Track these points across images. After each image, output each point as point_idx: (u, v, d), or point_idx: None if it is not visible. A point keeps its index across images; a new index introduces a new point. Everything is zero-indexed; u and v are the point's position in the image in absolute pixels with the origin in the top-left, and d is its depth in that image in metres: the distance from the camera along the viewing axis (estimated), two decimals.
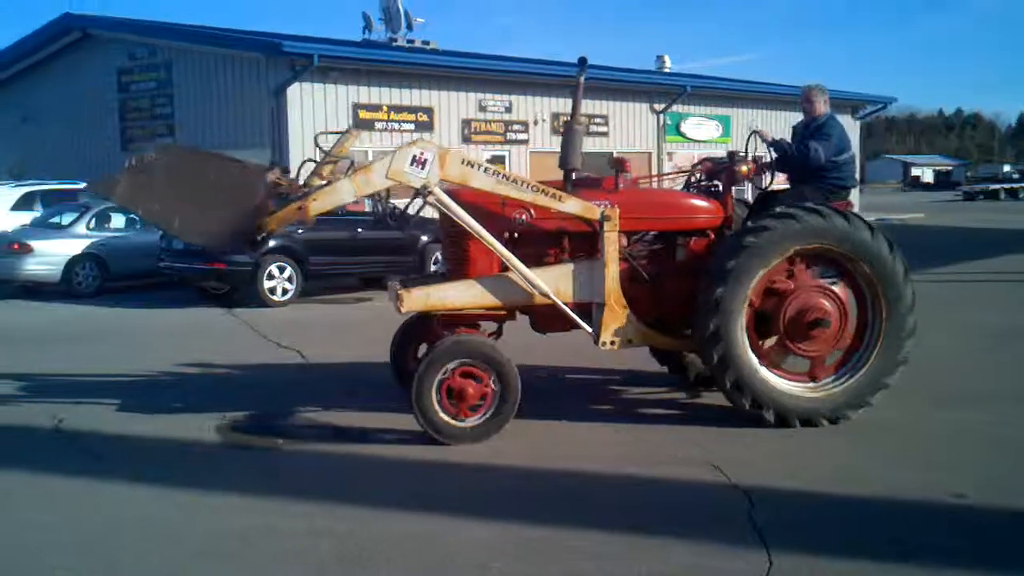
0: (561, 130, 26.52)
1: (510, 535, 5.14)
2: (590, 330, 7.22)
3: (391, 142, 23.06)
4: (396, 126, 23.24)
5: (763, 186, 7.96)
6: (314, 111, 21.72)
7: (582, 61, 7.42)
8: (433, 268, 16.75)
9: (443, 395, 6.76)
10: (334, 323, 13.24)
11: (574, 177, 7.34)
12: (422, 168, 6.81)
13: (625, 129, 27.87)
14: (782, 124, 34.10)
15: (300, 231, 14.82)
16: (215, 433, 7.26)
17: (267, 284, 14.60)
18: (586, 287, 7.18)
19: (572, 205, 7.06)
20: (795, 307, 7.14)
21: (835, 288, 7.24)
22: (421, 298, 7.17)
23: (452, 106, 24.14)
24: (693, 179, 8.19)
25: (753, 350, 7.08)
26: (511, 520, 5.34)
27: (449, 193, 7.06)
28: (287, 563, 4.86)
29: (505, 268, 7.15)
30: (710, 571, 4.66)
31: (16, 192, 19.00)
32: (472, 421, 6.83)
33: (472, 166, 7.01)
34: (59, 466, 6.49)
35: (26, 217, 17.80)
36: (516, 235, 7.40)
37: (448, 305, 7.23)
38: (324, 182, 7.13)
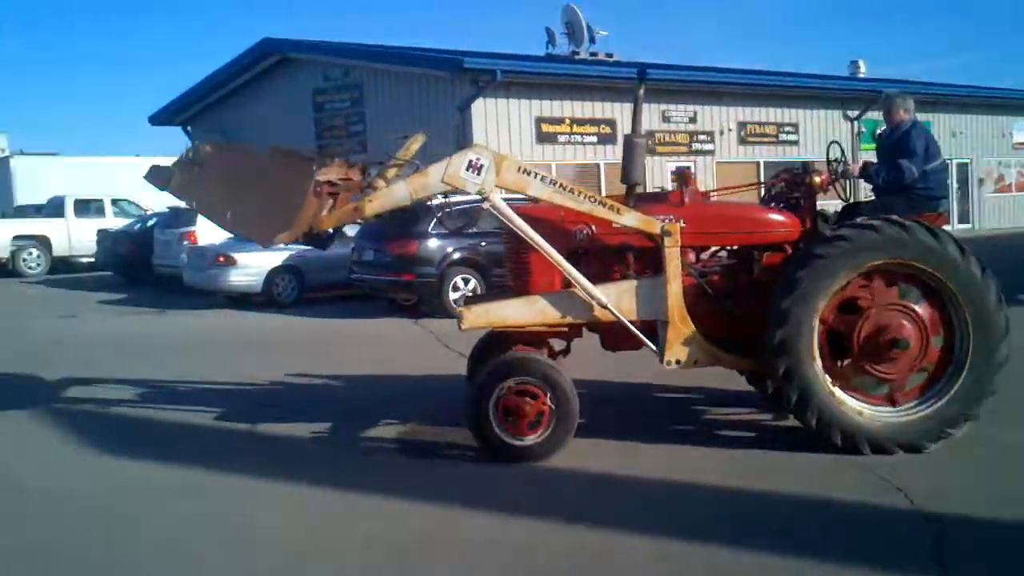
0: (748, 140, 26.22)
1: (672, 551, 5.03)
2: (655, 348, 6.99)
3: (574, 155, 23.23)
4: (578, 139, 23.37)
5: (846, 198, 7.60)
6: (498, 125, 22.10)
7: (641, 72, 7.29)
8: None
9: (499, 413, 6.64)
10: None
11: (639, 191, 7.17)
12: (478, 174, 6.74)
13: (816, 137, 27.03)
14: (986, 128, 32.44)
15: (483, 244, 15.07)
16: (395, 440, 7.41)
17: (452, 296, 14.88)
18: (650, 304, 6.92)
19: (631, 219, 6.84)
20: (871, 325, 6.65)
21: (917, 308, 6.69)
22: (481, 315, 7.10)
23: None
24: (773, 191, 7.78)
25: (827, 369, 6.65)
26: (674, 536, 5.21)
27: (515, 209, 7.04)
28: (468, 571, 4.90)
29: (567, 284, 6.96)
30: None
31: None
32: (530, 440, 6.67)
33: (528, 174, 6.86)
34: (250, 465, 6.77)
35: None
36: (579, 250, 7.16)
37: (508, 322, 7.14)
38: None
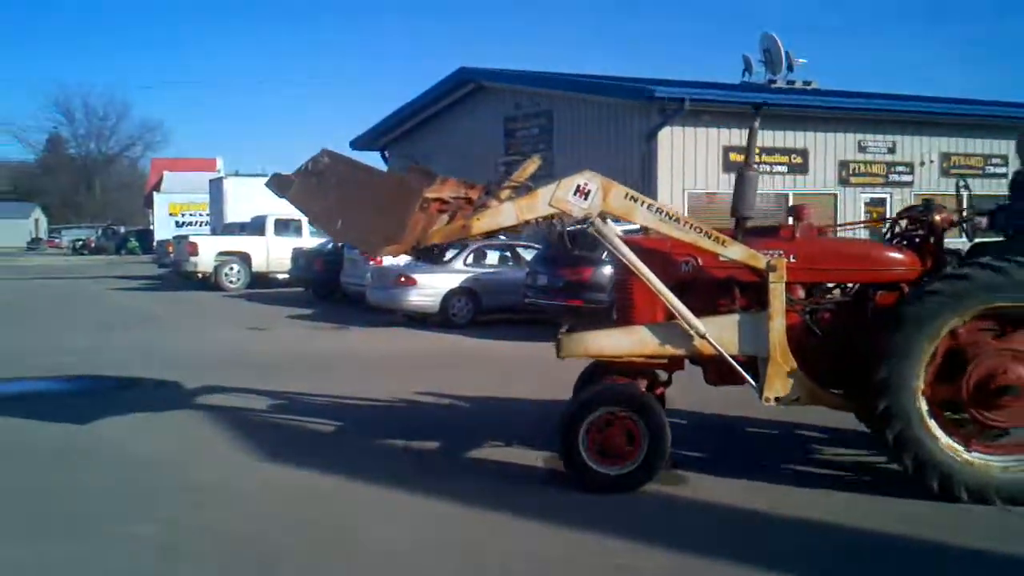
0: (952, 172, 24.87)
1: None
2: (755, 384, 6.76)
3: (762, 184, 22.58)
4: (768, 168, 22.75)
5: (971, 237, 7.26)
6: (684, 154, 21.83)
7: (757, 107, 7.14)
8: None
9: (590, 441, 6.57)
10: None
11: (749, 224, 6.99)
12: (585, 198, 6.70)
13: None
14: None
15: None
16: (543, 463, 7.38)
17: None
18: (752, 339, 6.73)
19: (736, 251, 6.66)
20: (982, 371, 6.28)
21: None
22: (580, 344, 7.04)
23: (828, 147, 23.25)
24: (897, 228, 7.42)
25: (937, 417, 6.35)
26: None
27: (625, 241, 6.89)
28: None
29: (671, 317, 6.81)
30: None
31: None
32: (619, 469, 6.59)
33: (635, 201, 6.77)
34: (401, 481, 6.89)
35: None
36: (684, 282, 7.01)
37: (606, 352, 7.06)
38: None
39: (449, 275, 17.22)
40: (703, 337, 6.69)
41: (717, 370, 7.10)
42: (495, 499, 6.36)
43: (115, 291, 28.11)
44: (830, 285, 7.34)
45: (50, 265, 48.18)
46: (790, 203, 22.97)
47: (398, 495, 6.57)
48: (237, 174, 64.37)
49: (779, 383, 6.70)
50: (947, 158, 24.21)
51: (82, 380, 11.39)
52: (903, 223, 7.37)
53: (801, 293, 7.08)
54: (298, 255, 23.76)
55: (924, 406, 6.30)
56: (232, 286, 27.06)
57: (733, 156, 22.36)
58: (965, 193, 7.22)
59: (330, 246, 23.26)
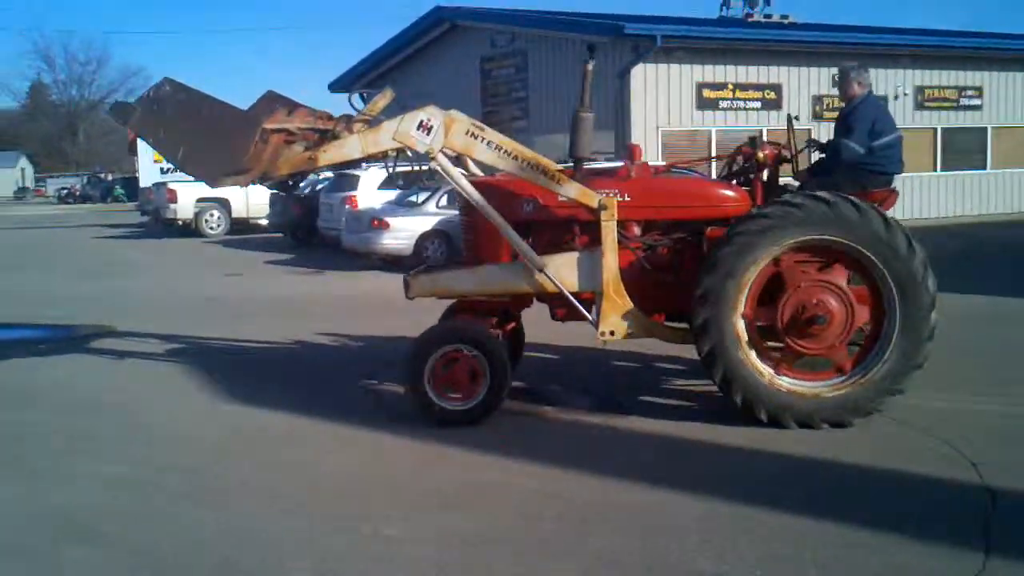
0: (926, 105, 24.94)
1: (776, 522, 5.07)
2: (592, 319, 7.01)
3: (735, 121, 22.72)
4: (741, 104, 22.87)
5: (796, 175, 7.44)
6: (657, 91, 21.90)
7: (591, 48, 7.26)
8: None
9: (435, 376, 6.80)
10: None
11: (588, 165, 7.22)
12: (427, 134, 6.85)
13: (1002, 102, 25.46)
14: None
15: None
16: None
17: None
18: (589, 276, 6.95)
19: (571, 190, 6.84)
20: (795, 303, 6.56)
21: (842, 283, 6.59)
22: (428, 283, 7.33)
23: (803, 82, 23.36)
24: (734, 166, 7.60)
25: (756, 347, 6.61)
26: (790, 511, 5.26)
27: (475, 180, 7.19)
28: (512, 519, 5.15)
29: (515, 257, 7.03)
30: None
31: (382, 173, 20.80)
32: (461, 404, 6.84)
33: (476, 137, 6.94)
34: (355, 419, 7.18)
35: (390, 195, 19.45)
36: (529, 222, 7.19)
37: (453, 291, 7.36)
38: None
39: (422, 218, 17.34)
40: (544, 273, 6.92)
41: (561, 307, 7.31)
42: (439, 433, 6.64)
43: (97, 239, 28.27)
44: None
45: (35, 215, 48.18)
46: (764, 139, 23.10)
47: (353, 431, 6.87)
48: None
49: (613, 318, 6.93)
50: (921, 91, 24.33)
51: (57, 329, 11.61)
52: (740, 160, 7.52)
53: (637, 230, 7.21)
54: (275, 200, 23.82)
55: (740, 327, 6.54)
56: (212, 232, 27.19)
57: (707, 93, 22.48)
58: (799, 129, 7.47)
59: (307, 191, 23.33)
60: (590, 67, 7.04)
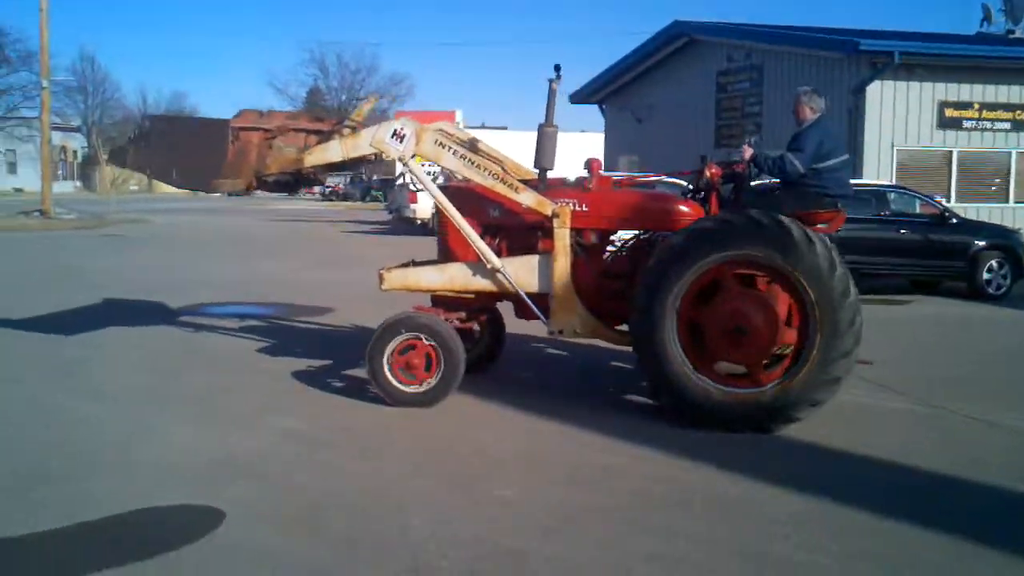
0: None
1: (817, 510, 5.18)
2: (544, 319, 7.56)
3: (981, 142, 21.62)
4: (988, 125, 21.71)
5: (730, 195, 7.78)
6: (894, 109, 21.19)
7: (557, 68, 7.62)
8: (986, 276, 15.62)
9: (394, 362, 7.36)
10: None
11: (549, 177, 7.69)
12: (400, 141, 7.48)
13: None
14: None
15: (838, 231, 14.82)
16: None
17: None
18: (544, 278, 7.49)
19: (527, 198, 7.40)
20: (722, 314, 6.92)
21: (768, 298, 6.93)
22: (399, 278, 7.90)
23: None
24: (700, 183, 7.88)
25: (688, 355, 6.92)
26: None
27: (452, 184, 7.89)
28: (624, 497, 5.50)
29: (479, 257, 7.57)
30: None
31: None
32: (417, 388, 7.40)
33: (443, 147, 7.49)
34: (512, 398, 7.72)
35: None
36: (496, 226, 7.83)
37: (422, 286, 7.93)
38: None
39: None
40: (501, 274, 7.51)
41: (521, 306, 7.80)
42: (584, 418, 7.08)
43: (344, 234, 30.34)
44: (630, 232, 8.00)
45: (301, 209, 52.04)
46: (1012, 163, 21.85)
47: (506, 411, 7.46)
48: (483, 126, 66.29)
49: (562, 317, 7.51)
50: None
51: (279, 307, 12.88)
52: (704, 177, 7.79)
53: (593, 238, 7.75)
54: None
55: (672, 336, 6.85)
56: None
57: (949, 112, 21.52)
58: (750, 142, 7.77)
59: None
60: (555, 85, 7.62)
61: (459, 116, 69.43)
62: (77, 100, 79.58)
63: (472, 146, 7.78)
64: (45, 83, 34.78)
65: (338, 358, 9.30)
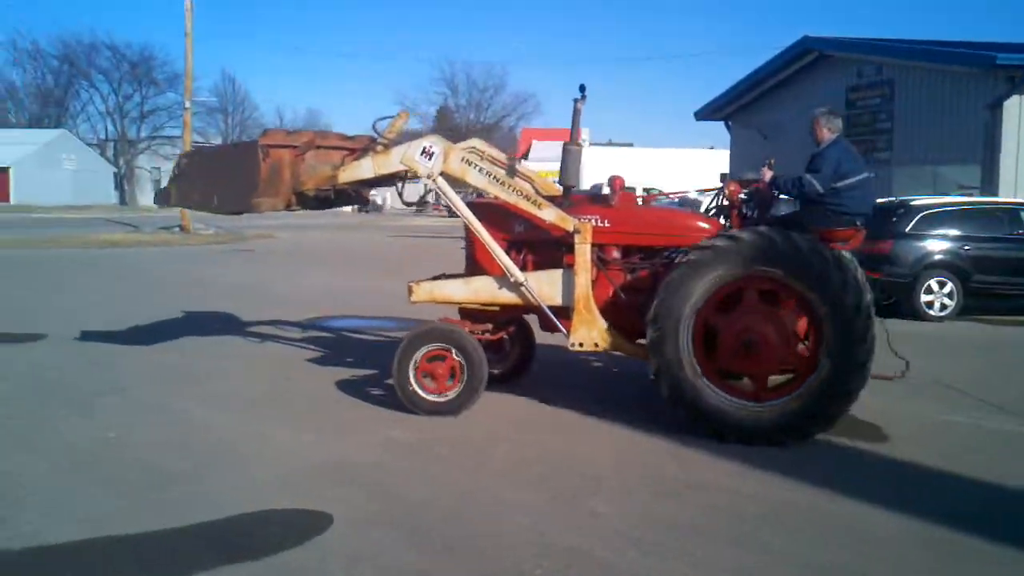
0: None
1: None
2: (565, 331, 7.68)
3: None
4: None
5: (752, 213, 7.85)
6: None
7: (582, 88, 7.69)
8: None
9: (419, 373, 7.61)
10: (984, 343, 12.65)
11: (578, 192, 7.94)
12: (429, 159, 7.72)
13: None
14: None
15: (967, 247, 14.39)
16: None
17: (924, 298, 14.41)
18: (566, 292, 7.62)
19: (549, 214, 7.56)
20: (734, 328, 7.05)
21: (783, 313, 7.03)
22: (427, 291, 8.14)
23: None
24: (723, 200, 8.02)
25: (701, 365, 7.06)
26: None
27: (479, 200, 8.20)
28: (720, 515, 5.48)
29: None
30: None
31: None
32: (445, 396, 7.62)
33: (470, 164, 7.73)
34: (615, 414, 7.75)
35: None
36: (522, 241, 8.06)
37: (449, 299, 8.13)
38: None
39: None
40: (524, 287, 7.68)
41: (543, 319, 7.95)
42: (683, 435, 7.08)
43: (453, 249, 30.69)
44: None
45: (427, 225, 52.99)
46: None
47: (611, 426, 7.49)
48: (610, 143, 66.50)
49: (583, 331, 7.61)
50: None
51: (395, 320, 13.20)
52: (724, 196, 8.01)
53: (616, 254, 7.86)
54: None
55: (688, 351, 7.02)
56: None
57: None
58: (768, 170, 7.76)
59: None
60: (580, 105, 7.67)
61: (586, 133, 69.87)
62: (218, 119, 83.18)
63: (510, 166, 7.99)
64: (187, 104, 36.49)
65: None
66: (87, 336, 11.34)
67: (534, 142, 68.53)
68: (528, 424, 7.53)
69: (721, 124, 33.55)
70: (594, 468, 6.40)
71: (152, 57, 75.67)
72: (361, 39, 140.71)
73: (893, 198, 16.67)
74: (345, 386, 8.81)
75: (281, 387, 8.76)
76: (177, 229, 35.30)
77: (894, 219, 14.79)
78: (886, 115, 24.77)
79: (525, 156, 60.62)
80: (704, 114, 33.08)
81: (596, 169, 35.39)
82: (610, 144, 65.30)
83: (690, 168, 41.84)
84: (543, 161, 55.02)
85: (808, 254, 6.79)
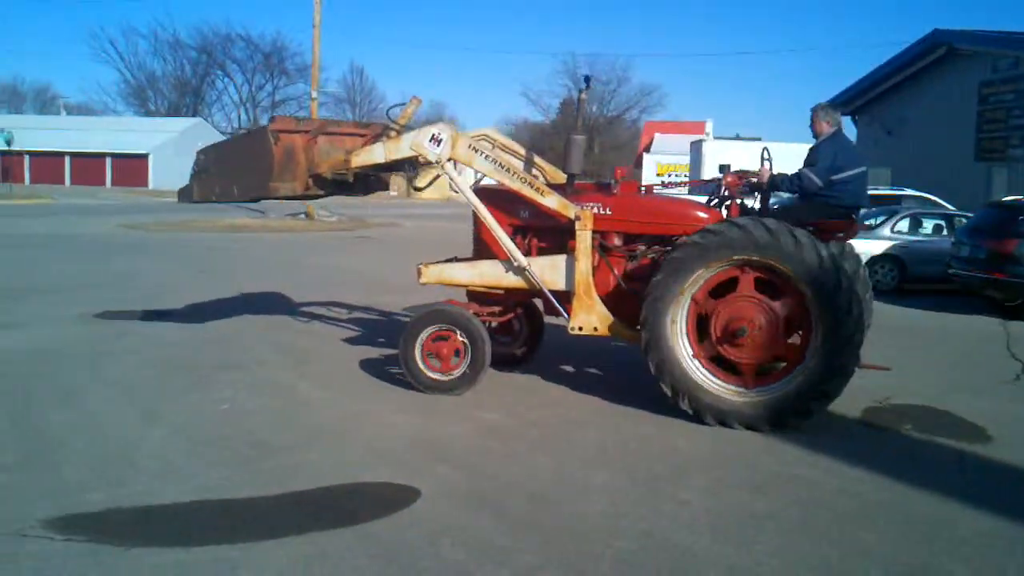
0: None
1: None
2: (566, 315, 7.91)
3: None
4: None
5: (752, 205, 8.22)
6: None
7: (587, 79, 8.20)
8: None
9: (424, 354, 7.92)
10: None
11: (581, 181, 8.28)
12: (438, 145, 7.95)
13: None
14: None
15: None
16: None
17: None
18: (568, 278, 7.87)
19: (551, 201, 7.84)
20: (725, 315, 7.25)
21: (774, 302, 7.18)
22: (436, 273, 8.46)
23: None
24: (724, 190, 8.27)
25: (693, 347, 7.34)
26: None
27: (485, 186, 8.53)
28: (806, 507, 5.50)
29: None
30: None
31: None
32: (451, 375, 7.92)
33: (476, 151, 7.97)
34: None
35: None
36: (528, 227, 8.32)
37: (456, 281, 8.48)
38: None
39: (874, 241, 17.09)
40: (527, 271, 7.96)
41: (546, 303, 8.20)
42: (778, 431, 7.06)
43: None
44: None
45: None
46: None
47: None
48: (737, 137, 65.38)
49: (582, 315, 7.85)
50: None
51: None
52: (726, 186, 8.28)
53: (617, 241, 8.09)
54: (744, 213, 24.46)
55: (682, 340, 7.31)
56: None
57: None
58: (767, 162, 7.98)
59: (776, 207, 23.61)
60: (584, 96, 8.13)
61: (709, 126, 69.19)
62: (345, 109, 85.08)
63: (523, 155, 8.54)
64: (314, 94, 37.55)
65: (542, 357, 9.65)
66: (207, 315, 11.94)
67: (656, 135, 68.10)
68: (619, 412, 7.63)
69: (848, 119, 32.75)
70: (684, 457, 6.48)
71: (284, 48, 78.13)
72: (485, 31, 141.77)
73: (1019, 196, 16.08)
74: None
75: (382, 369, 9.04)
76: (303, 216, 36.39)
77: (1020, 218, 14.27)
78: (1021, 111, 23.81)
79: (647, 149, 60.21)
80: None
81: (721, 163, 35.02)
82: (737, 138, 64.12)
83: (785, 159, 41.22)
84: (665, 154, 54.71)
85: (784, 239, 6.97)
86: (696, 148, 38.79)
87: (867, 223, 17.96)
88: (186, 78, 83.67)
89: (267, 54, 79.28)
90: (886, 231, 17.28)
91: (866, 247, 16.94)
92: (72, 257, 19.41)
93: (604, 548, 4.79)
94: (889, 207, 18.38)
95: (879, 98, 29.95)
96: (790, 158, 33.15)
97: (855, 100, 31.01)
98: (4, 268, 16.93)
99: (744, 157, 37.90)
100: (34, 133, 69.12)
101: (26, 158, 68.17)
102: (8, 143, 54.02)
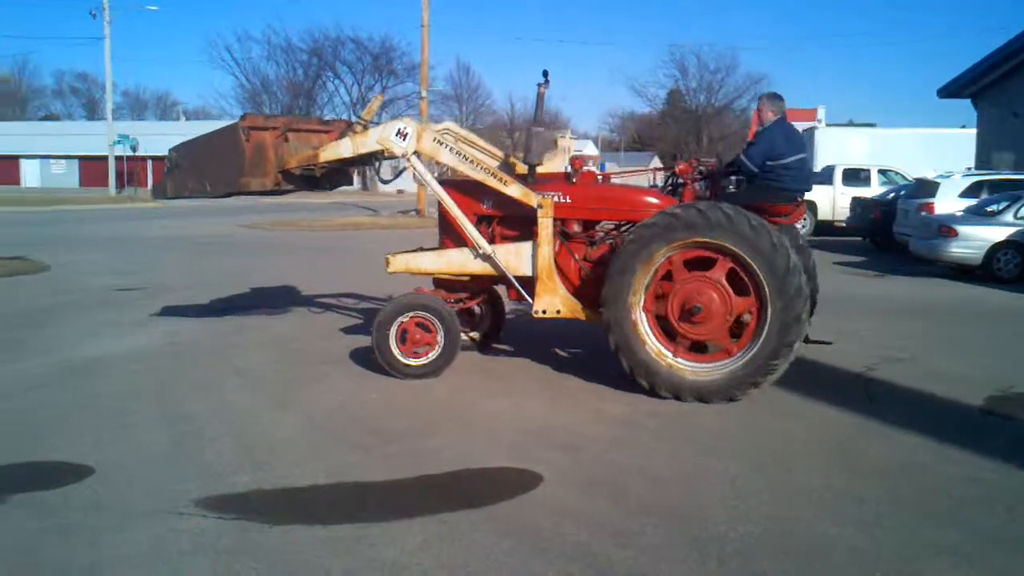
0: None
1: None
2: (530, 299, 8.25)
3: None
4: None
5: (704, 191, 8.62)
6: None
7: (545, 73, 8.48)
8: None
9: (398, 339, 8.23)
10: None
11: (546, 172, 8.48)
12: (403, 139, 8.31)
13: None
14: None
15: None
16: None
17: None
18: (531, 263, 8.24)
19: (514, 190, 8.21)
20: (680, 296, 7.63)
21: (722, 279, 7.54)
22: (403, 262, 8.83)
23: None
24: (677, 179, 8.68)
25: (652, 327, 7.74)
26: None
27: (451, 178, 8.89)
28: (911, 492, 5.51)
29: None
30: None
31: (966, 181, 20.13)
32: (418, 361, 8.27)
33: (441, 144, 8.38)
34: (803, 393, 7.81)
35: (971, 203, 18.79)
36: (492, 216, 8.65)
37: (423, 270, 8.84)
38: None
39: (997, 228, 16.58)
40: (492, 259, 8.32)
41: (510, 288, 8.58)
42: (872, 411, 7.03)
43: None
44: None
45: None
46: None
47: (800, 403, 7.55)
48: (850, 123, 63.88)
49: (545, 298, 8.24)
50: None
51: None
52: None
53: (577, 228, 8.51)
54: (856, 204, 23.93)
55: (641, 318, 7.70)
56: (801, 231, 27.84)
57: None
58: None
59: (890, 195, 23.12)
60: (543, 89, 8.43)
61: (821, 113, 67.58)
62: (452, 107, 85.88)
63: (483, 148, 8.99)
64: (424, 93, 38.22)
65: None
66: (323, 310, 12.46)
67: None
68: (747, 402, 7.65)
69: (968, 102, 31.68)
70: (810, 446, 6.56)
71: (392, 48, 79.01)
72: (592, 23, 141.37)
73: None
74: (559, 362, 9.28)
75: (501, 360, 9.30)
76: (413, 213, 37.08)
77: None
78: None
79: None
80: (949, 91, 31.31)
81: (834, 151, 34.29)
82: (850, 124, 62.59)
83: (935, 150, 39.94)
84: None
85: (737, 222, 7.36)
86: (808, 136, 38.04)
87: (988, 209, 17.52)
88: (298, 81, 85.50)
89: (375, 55, 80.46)
90: (1008, 217, 16.74)
91: (987, 234, 16.54)
92: (194, 256, 20.30)
93: (727, 530, 4.92)
94: (1012, 193, 17.79)
95: (1002, 80, 28.84)
96: (903, 144, 32.17)
97: (977, 82, 29.85)
98: (140, 268, 17.80)
99: (858, 144, 37.12)
100: (155, 139, 71.69)
101: (148, 163, 70.70)
102: (133, 149, 56.33)
